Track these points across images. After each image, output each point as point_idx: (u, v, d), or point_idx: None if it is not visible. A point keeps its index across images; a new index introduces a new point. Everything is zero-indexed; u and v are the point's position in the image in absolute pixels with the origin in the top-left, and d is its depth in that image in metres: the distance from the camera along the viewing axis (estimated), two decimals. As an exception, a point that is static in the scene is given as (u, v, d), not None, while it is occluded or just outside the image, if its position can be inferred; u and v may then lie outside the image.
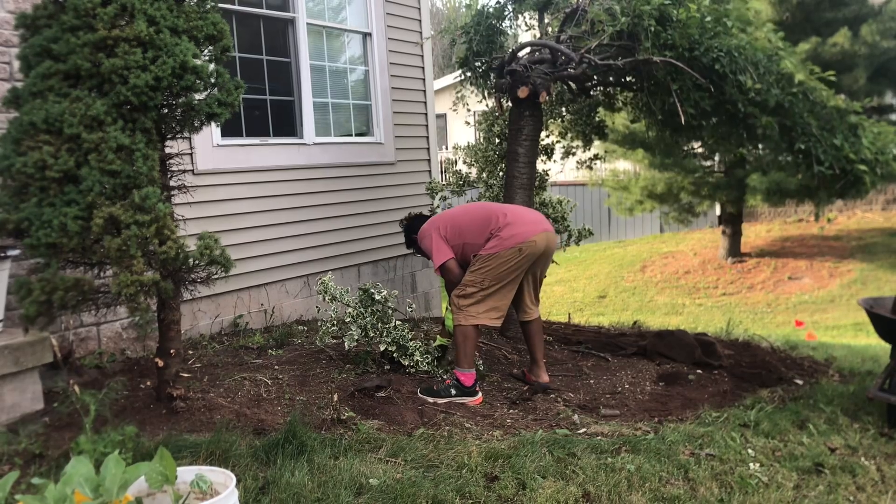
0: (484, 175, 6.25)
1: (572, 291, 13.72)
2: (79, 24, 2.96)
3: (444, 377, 4.22)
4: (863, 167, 4.66)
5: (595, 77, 5.61)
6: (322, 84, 6.15)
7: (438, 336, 4.58)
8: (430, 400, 3.98)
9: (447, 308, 4.29)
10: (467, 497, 2.76)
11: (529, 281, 4.27)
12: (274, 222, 5.55)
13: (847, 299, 11.65)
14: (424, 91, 7.31)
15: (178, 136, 3.38)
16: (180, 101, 3.16)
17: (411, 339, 4.36)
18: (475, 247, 4.11)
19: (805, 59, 6.37)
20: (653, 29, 4.54)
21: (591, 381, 4.64)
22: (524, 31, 6.72)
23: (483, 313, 4.04)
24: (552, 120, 6.63)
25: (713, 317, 11.24)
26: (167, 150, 3.38)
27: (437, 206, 6.61)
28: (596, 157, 7.24)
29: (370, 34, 6.58)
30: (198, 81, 3.10)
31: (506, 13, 5.77)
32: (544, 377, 4.35)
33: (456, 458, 3.07)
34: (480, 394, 4.10)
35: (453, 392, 4.01)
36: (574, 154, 6.83)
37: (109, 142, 2.85)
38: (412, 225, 4.60)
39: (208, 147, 5.01)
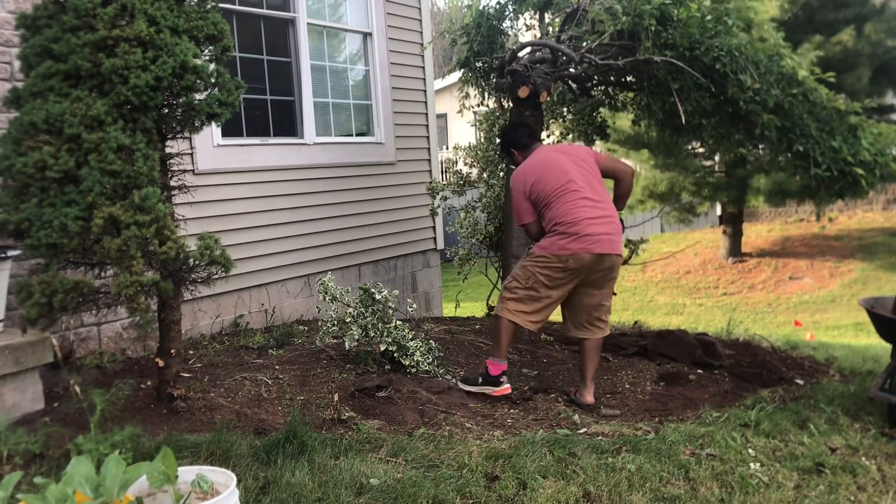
0: (485, 175, 6.25)
1: (573, 291, 13.70)
2: (79, 24, 2.96)
3: (448, 378, 4.24)
4: (859, 170, 4.64)
5: (596, 77, 5.61)
6: (322, 84, 6.15)
7: None
8: (466, 388, 4.10)
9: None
10: (468, 497, 2.76)
11: (583, 298, 4.13)
12: (274, 222, 5.55)
13: (848, 299, 11.64)
14: (425, 91, 7.31)
15: (179, 136, 3.38)
16: (181, 100, 3.16)
17: (412, 339, 4.37)
18: (544, 219, 4.07)
19: (814, 63, 6.35)
20: (653, 28, 4.54)
21: (592, 381, 4.63)
22: (524, 31, 6.71)
23: (519, 312, 4.06)
24: (554, 120, 6.62)
25: (714, 317, 11.24)
26: (167, 150, 3.37)
27: (438, 206, 6.62)
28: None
29: (370, 34, 6.58)
30: (198, 81, 3.10)
31: (506, 13, 5.76)
32: (588, 398, 4.20)
33: (456, 458, 3.07)
34: (508, 385, 4.11)
35: (480, 381, 4.08)
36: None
37: (110, 142, 2.85)
38: (516, 139, 4.38)
39: (209, 147, 5.01)
